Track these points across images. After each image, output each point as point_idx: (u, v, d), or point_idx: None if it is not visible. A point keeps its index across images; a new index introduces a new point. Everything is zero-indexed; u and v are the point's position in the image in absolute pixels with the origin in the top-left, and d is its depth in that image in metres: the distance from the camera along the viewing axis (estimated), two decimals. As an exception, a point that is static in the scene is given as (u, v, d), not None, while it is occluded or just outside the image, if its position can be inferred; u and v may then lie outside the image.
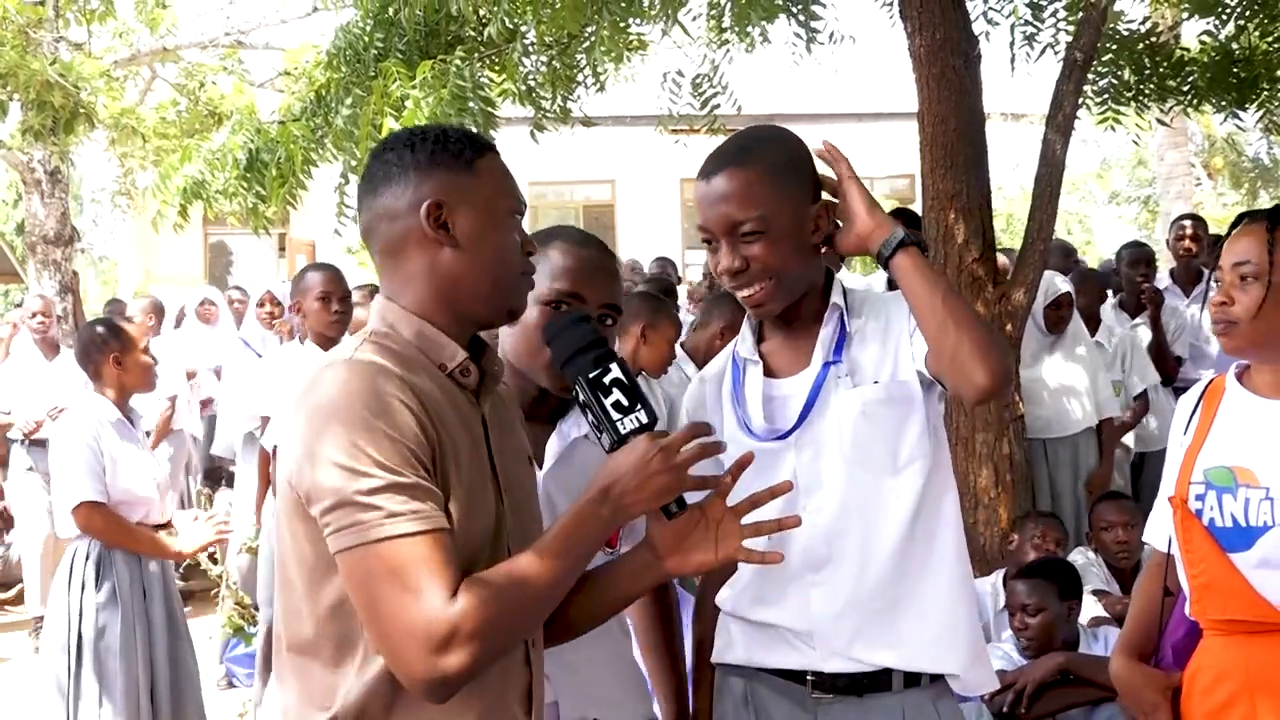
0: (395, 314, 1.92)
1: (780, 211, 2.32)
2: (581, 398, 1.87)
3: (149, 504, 4.54)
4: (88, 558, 4.47)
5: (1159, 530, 2.66)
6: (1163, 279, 7.44)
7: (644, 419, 1.85)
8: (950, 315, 2.19)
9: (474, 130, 2.09)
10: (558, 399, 2.47)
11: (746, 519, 1.98)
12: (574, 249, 2.44)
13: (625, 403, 1.85)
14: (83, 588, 4.45)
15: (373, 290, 6.28)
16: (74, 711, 4.40)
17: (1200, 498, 2.47)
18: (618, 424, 1.84)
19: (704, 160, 2.38)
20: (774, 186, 2.33)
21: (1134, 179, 27.32)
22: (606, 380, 1.86)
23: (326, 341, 5.31)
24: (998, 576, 4.77)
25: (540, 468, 2.38)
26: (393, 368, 1.80)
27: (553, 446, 2.43)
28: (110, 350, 4.57)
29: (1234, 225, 2.55)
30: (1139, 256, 6.94)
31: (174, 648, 4.54)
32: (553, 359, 1.95)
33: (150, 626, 4.49)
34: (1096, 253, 20.39)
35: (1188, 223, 7.42)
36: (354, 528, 1.69)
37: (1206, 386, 2.63)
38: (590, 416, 1.88)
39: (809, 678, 2.36)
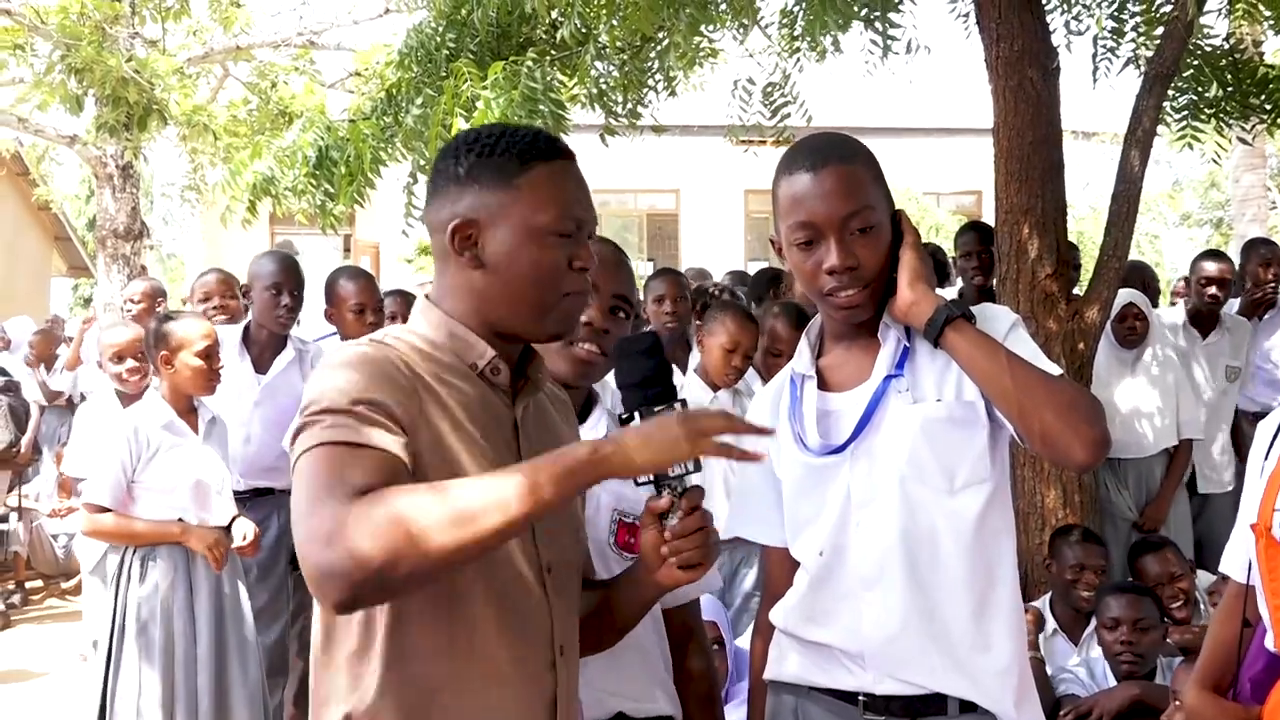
0: (432, 316, 1.92)
1: (882, 212, 2.28)
2: (636, 423, 1.82)
3: (180, 504, 4.50)
4: (135, 550, 4.47)
5: (1237, 560, 2.57)
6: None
7: (691, 465, 1.82)
8: (1026, 394, 2.14)
9: (543, 132, 1.98)
10: (584, 400, 2.54)
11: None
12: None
13: None
14: (129, 581, 4.46)
15: (402, 295, 6.28)
16: (111, 703, 4.39)
17: None
18: None
19: (791, 157, 2.31)
20: (876, 185, 2.29)
21: (1206, 201, 26.97)
22: None
23: None
24: (1045, 600, 4.68)
25: None
26: (398, 361, 1.80)
27: None
28: (159, 350, 4.54)
29: None
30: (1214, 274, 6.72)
31: (220, 647, 4.48)
32: (617, 378, 1.89)
33: (195, 625, 4.46)
34: (1165, 274, 20.12)
35: (1264, 250, 7.23)
36: (303, 442, 1.70)
37: None
38: None
39: (861, 699, 2.29)
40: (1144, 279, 6.92)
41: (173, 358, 4.52)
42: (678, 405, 1.84)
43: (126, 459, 4.45)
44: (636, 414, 1.83)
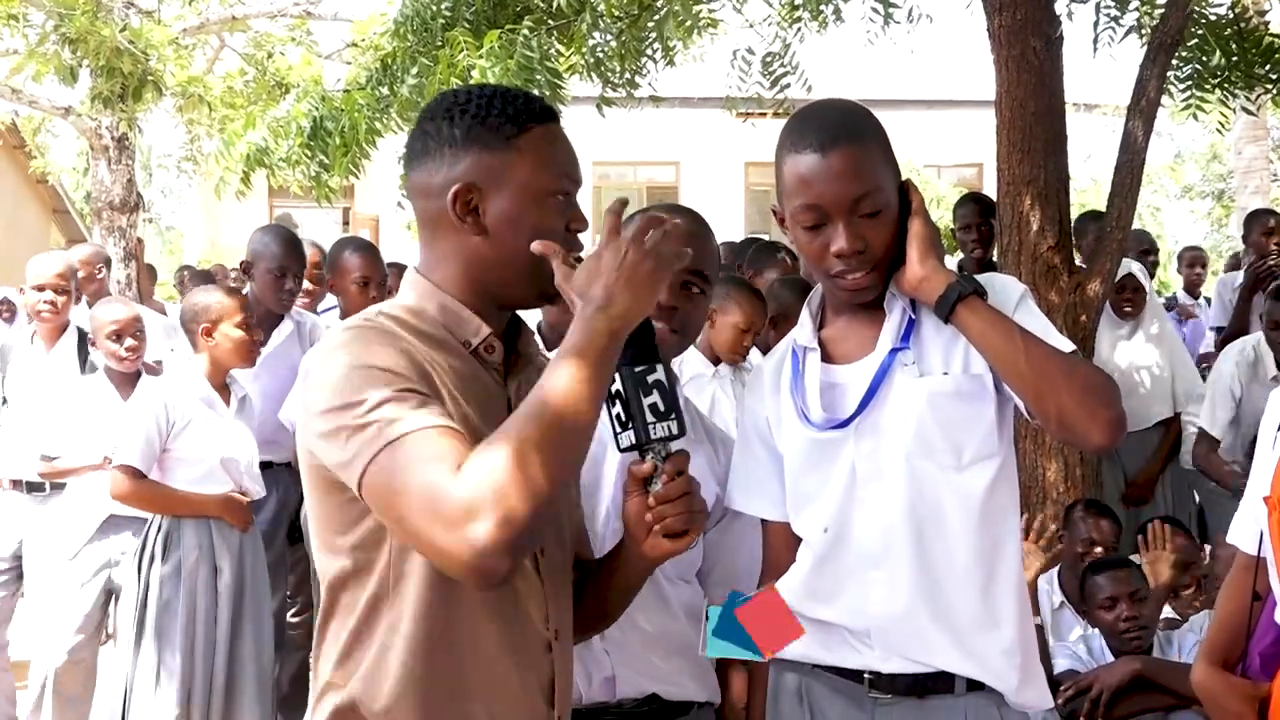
0: (422, 288, 1.88)
1: (891, 189, 2.22)
2: (614, 388, 1.79)
3: (213, 476, 4.49)
4: (160, 529, 4.45)
5: (1247, 531, 2.52)
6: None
7: (675, 429, 1.79)
8: (1042, 377, 2.09)
9: (531, 94, 1.96)
10: None
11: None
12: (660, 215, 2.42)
13: (662, 408, 1.79)
14: (152, 560, 4.44)
15: (399, 269, 6.23)
16: (131, 680, 4.38)
17: None
18: (650, 426, 1.78)
19: (798, 132, 2.23)
20: (884, 163, 2.22)
21: (1208, 173, 26.82)
22: (649, 379, 1.80)
23: None
24: (1052, 574, 4.63)
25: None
26: (398, 331, 1.77)
27: None
28: (199, 322, 4.51)
29: None
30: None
31: (236, 625, 4.47)
32: None
33: (217, 603, 4.44)
34: (1167, 247, 20.04)
35: (1268, 219, 7.17)
36: (361, 450, 1.65)
37: None
38: (616, 409, 1.81)
39: (867, 677, 2.26)
40: (1140, 247, 6.89)
41: (214, 329, 4.50)
42: (659, 366, 1.81)
43: (163, 423, 4.44)
44: (616, 377, 1.79)
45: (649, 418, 1.78)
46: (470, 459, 1.60)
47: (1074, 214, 5.56)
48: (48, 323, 5.56)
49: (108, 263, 7.52)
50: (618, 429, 1.81)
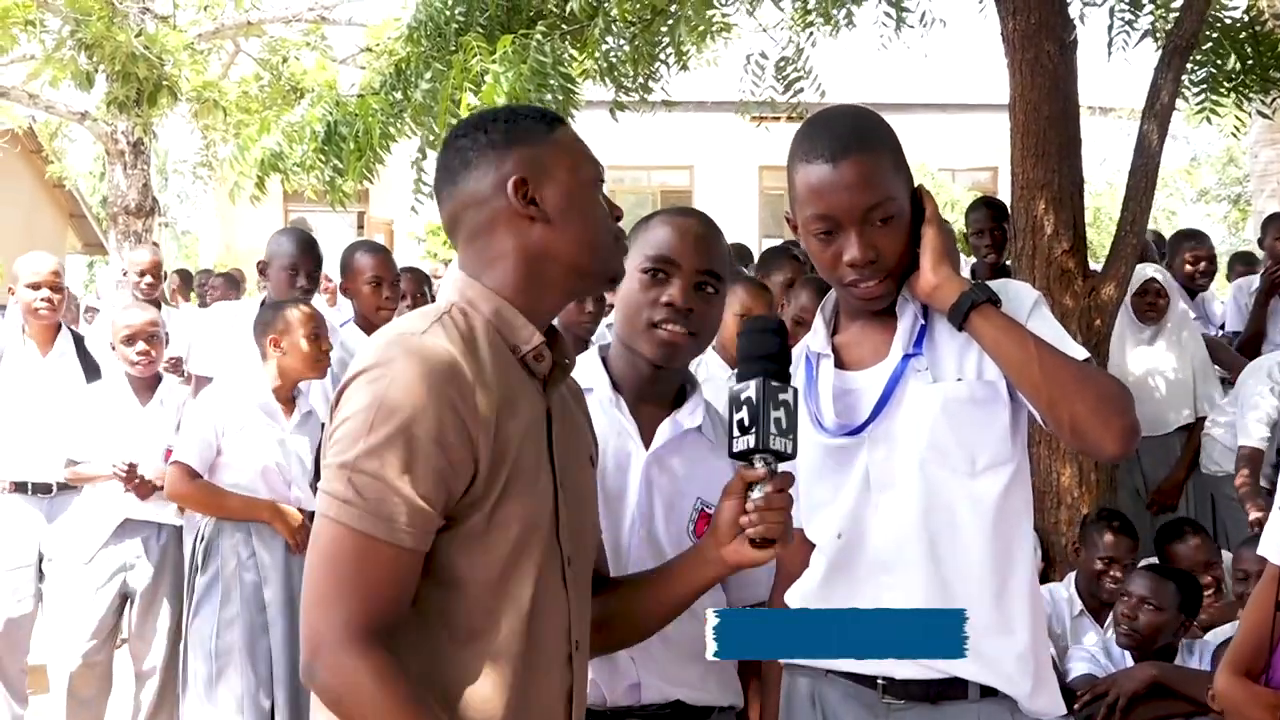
0: (476, 291, 1.87)
1: (903, 197, 2.22)
2: (745, 395, 1.98)
3: (251, 484, 4.51)
4: (201, 538, 4.48)
5: (1275, 542, 2.52)
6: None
7: (790, 449, 1.95)
8: (1056, 386, 2.09)
9: (543, 107, 2.02)
10: (678, 386, 2.50)
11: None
12: (671, 218, 2.45)
13: (784, 425, 1.93)
14: (195, 570, 4.47)
15: (413, 274, 6.24)
16: (181, 688, 4.48)
17: None
18: (770, 436, 1.94)
19: (809, 141, 2.22)
20: (896, 171, 2.22)
21: (1224, 177, 26.74)
22: (780, 397, 1.95)
23: (372, 327, 5.12)
24: (1070, 580, 4.62)
25: (647, 449, 2.41)
26: (460, 359, 1.74)
27: (664, 431, 2.42)
28: (268, 333, 4.52)
29: None
30: None
31: (291, 636, 4.45)
32: (740, 350, 2.03)
33: (265, 613, 4.45)
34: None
35: None
36: (332, 492, 1.69)
37: None
38: (740, 415, 1.98)
39: (880, 682, 2.25)
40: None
41: (281, 340, 4.51)
42: (791, 389, 1.95)
43: (219, 425, 4.47)
44: (751, 384, 1.93)
45: (771, 429, 1.92)
46: (392, 656, 1.65)
47: (1089, 218, 5.55)
48: (43, 320, 5.50)
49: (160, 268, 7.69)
50: (736, 433, 1.94)
